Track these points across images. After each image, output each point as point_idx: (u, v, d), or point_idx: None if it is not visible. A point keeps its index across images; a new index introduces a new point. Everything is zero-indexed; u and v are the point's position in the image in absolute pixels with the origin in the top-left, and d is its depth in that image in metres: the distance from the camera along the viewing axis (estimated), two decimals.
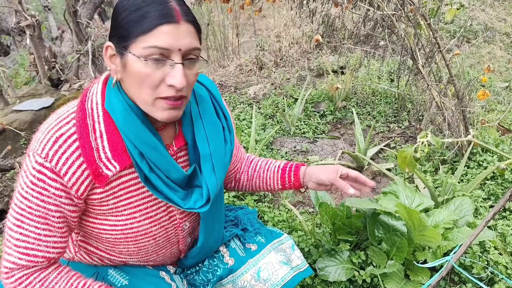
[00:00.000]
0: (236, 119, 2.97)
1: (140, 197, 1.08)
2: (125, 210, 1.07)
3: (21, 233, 0.99)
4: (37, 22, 3.56)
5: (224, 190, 1.89)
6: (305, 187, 1.44)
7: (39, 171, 0.96)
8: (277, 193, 2.33)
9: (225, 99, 3.33)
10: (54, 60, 3.68)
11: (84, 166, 0.98)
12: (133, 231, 1.10)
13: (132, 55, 0.93)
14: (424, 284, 1.62)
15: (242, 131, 2.77)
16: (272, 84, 3.67)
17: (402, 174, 2.51)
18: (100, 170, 0.98)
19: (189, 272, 1.41)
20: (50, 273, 1.04)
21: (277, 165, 1.46)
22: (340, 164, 2.55)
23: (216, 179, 1.11)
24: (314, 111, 3.19)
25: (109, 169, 0.99)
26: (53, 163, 0.96)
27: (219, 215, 1.28)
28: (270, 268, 1.40)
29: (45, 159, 0.96)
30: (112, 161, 1.00)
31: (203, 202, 1.11)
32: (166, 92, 0.95)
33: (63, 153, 0.96)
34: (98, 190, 1.03)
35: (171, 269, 1.35)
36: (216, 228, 1.30)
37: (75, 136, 0.98)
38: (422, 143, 0.74)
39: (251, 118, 2.58)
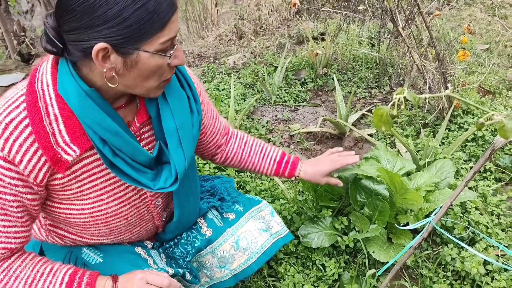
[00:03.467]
0: (215, 89, 2.90)
1: (106, 178, 1.03)
2: (91, 193, 1.03)
3: None
4: None
5: (207, 161, 1.85)
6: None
7: None
8: None
9: (203, 70, 3.25)
10: (23, 34, 3.52)
11: (40, 152, 0.91)
12: (102, 213, 1.06)
13: (147, 52, 0.88)
14: (406, 246, 1.62)
15: (222, 101, 2.71)
16: (251, 52, 3.59)
17: (384, 139, 2.50)
18: (59, 156, 0.92)
19: (167, 245, 1.38)
20: (13, 262, 0.99)
21: (274, 158, 1.47)
22: (322, 132, 2.53)
23: (183, 154, 1.07)
24: (295, 79, 3.13)
25: (68, 154, 0.93)
26: (5, 152, 0.89)
27: (192, 187, 1.25)
28: (249, 236, 1.38)
29: None
30: (71, 145, 0.93)
31: (173, 179, 1.06)
32: (169, 74, 0.97)
33: (15, 140, 0.89)
34: (59, 175, 0.97)
35: (148, 244, 1.32)
36: (191, 200, 1.26)
37: (26, 121, 0.90)
38: (399, 99, 0.70)
39: (231, 88, 2.52)
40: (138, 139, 1.06)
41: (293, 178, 1.50)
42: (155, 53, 0.88)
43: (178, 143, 1.06)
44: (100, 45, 0.84)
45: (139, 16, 0.83)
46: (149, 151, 1.08)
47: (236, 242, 1.38)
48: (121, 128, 0.95)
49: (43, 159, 0.92)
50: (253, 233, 1.39)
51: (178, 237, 1.38)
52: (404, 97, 0.72)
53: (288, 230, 1.47)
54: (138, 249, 1.26)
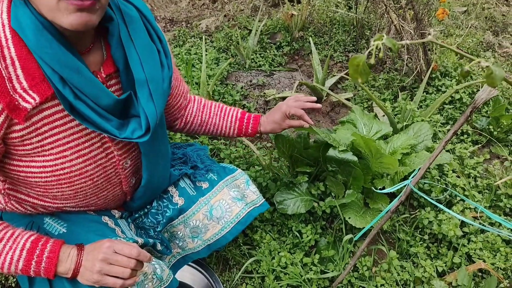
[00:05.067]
0: (187, 53, 2.77)
1: (69, 132, 0.94)
2: (52, 148, 0.94)
3: None
4: None
5: (172, 132, 1.78)
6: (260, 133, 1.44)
7: None
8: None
9: (174, 34, 3.10)
10: None
11: None
12: (66, 171, 0.97)
13: None
14: (383, 211, 1.59)
15: (193, 66, 2.59)
16: (225, 16, 3.44)
17: (362, 103, 2.45)
18: (17, 103, 0.84)
19: (137, 215, 1.31)
20: None
21: (235, 115, 1.41)
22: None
23: (155, 107, 0.99)
24: (270, 43, 3.02)
25: (27, 101, 0.85)
26: None
27: (163, 150, 1.17)
28: (223, 206, 1.32)
29: None
30: (30, 92, 0.85)
31: (142, 132, 0.98)
32: None
33: None
34: (17, 127, 0.88)
35: (116, 213, 1.24)
36: (160, 164, 1.18)
37: None
38: (377, 47, 0.63)
39: (203, 52, 2.40)
40: None
41: (257, 135, 1.44)
42: None
43: (149, 96, 0.98)
44: None
45: None
46: None
47: (209, 211, 1.31)
48: (81, 64, 0.87)
49: None
50: (227, 202, 1.33)
51: (148, 206, 1.31)
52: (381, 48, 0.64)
53: (264, 199, 1.42)
54: (105, 219, 1.18)
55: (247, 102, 2.44)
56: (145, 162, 1.12)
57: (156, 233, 1.29)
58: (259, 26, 2.93)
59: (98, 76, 0.97)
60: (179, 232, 1.34)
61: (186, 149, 1.46)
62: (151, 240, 1.19)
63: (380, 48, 0.63)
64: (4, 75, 0.83)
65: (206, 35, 3.11)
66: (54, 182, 0.99)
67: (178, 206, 1.32)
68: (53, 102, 0.90)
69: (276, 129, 1.41)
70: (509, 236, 1.25)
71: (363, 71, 0.63)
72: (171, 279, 1.18)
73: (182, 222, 1.33)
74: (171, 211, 1.31)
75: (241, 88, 2.55)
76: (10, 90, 0.83)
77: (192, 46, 2.89)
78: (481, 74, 2.51)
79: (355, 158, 1.54)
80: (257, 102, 2.47)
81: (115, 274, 0.92)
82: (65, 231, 1.09)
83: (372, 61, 0.62)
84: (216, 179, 1.36)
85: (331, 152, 1.57)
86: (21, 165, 0.96)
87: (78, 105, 0.89)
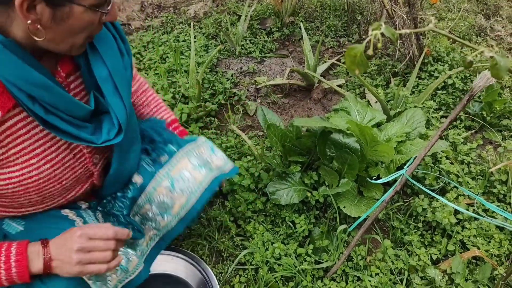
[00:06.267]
0: (175, 40, 2.71)
1: (34, 139, 0.90)
2: (18, 158, 0.89)
3: None
4: None
5: None
6: None
7: None
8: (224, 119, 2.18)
9: (162, 20, 3.03)
10: None
11: None
12: (33, 180, 0.93)
13: (81, 6, 0.78)
14: (378, 199, 1.58)
15: (182, 53, 2.53)
16: (213, 1, 3.37)
17: (354, 89, 2.42)
18: None
19: (105, 201, 1.24)
20: None
21: (164, 118, 1.38)
22: (289, 84, 2.42)
23: (122, 101, 0.95)
24: (260, 28, 2.96)
25: None
26: None
27: (135, 137, 1.13)
28: (185, 176, 1.23)
29: None
30: None
31: (116, 129, 0.95)
32: (97, 31, 0.88)
33: None
34: None
35: (83, 204, 1.18)
36: (134, 150, 1.14)
37: None
38: (375, 36, 0.60)
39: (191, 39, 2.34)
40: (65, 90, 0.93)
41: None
42: (90, 7, 0.78)
43: (114, 90, 0.95)
44: None
45: None
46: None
47: (171, 184, 1.23)
48: (50, 81, 0.83)
49: None
50: (188, 171, 1.24)
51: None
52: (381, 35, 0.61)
53: (233, 164, 1.34)
54: (65, 211, 1.12)
55: (238, 90, 2.40)
56: (118, 151, 1.07)
57: (125, 217, 1.24)
58: (248, 11, 2.87)
59: (57, 75, 0.92)
60: (148, 213, 1.26)
61: (142, 124, 1.38)
62: (120, 227, 1.14)
63: (378, 38, 0.60)
64: None
65: (194, 21, 3.04)
66: (21, 192, 0.94)
67: (138, 185, 1.25)
68: (15, 111, 0.86)
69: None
70: (502, 224, 1.24)
71: (361, 62, 0.60)
72: (139, 269, 1.13)
73: (146, 200, 1.24)
74: (132, 191, 1.24)
75: (231, 75, 2.50)
76: None
77: (180, 33, 2.82)
78: (474, 59, 2.49)
79: (357, 146, 1.53)
80: (247, 90, 2.43)
81: (96, 261, 0.89)
82: (23, 229, 1.05)
83: (370, 52, 0.59)
84: (176, 150, 1.27)
85: (334, 136, 1.56)
86: None
87: (51, 120, 0.86)
